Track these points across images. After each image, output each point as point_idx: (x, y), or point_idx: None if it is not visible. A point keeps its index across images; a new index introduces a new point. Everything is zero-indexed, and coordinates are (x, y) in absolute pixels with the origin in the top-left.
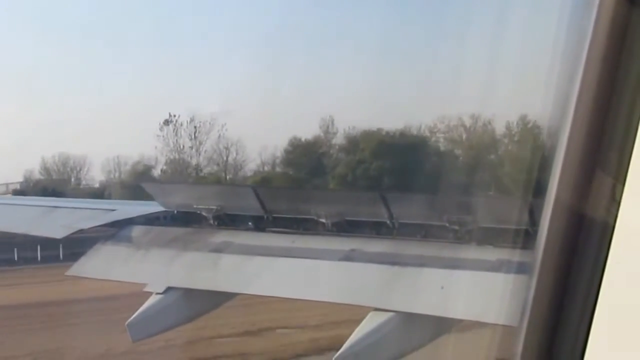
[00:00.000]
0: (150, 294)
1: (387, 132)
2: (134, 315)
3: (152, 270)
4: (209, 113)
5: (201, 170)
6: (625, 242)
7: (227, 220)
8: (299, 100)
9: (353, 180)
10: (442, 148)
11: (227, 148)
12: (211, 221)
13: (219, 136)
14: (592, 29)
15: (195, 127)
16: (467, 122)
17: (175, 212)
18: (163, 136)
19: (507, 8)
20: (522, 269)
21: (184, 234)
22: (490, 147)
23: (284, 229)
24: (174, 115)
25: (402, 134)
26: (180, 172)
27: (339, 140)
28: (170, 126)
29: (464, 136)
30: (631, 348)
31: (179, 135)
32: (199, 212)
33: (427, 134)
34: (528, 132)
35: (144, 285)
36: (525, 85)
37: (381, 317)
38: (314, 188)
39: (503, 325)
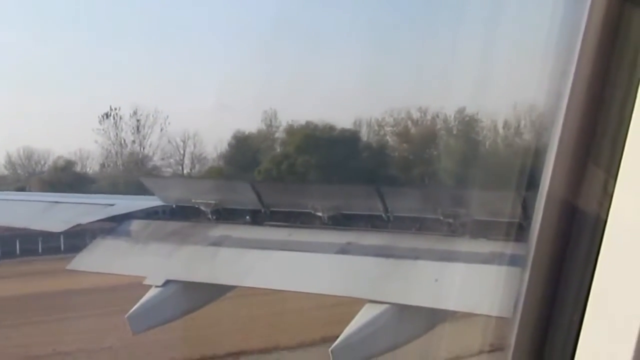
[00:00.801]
0: (150, 287)
1: (316, 126)
2: (133, 308)
3: (151, 263)
4: (154, 107)
5: (145, 164)
6: (617, 235)
7: (225, 215)
8: (244, 93)
9: (278, 176)
10: (391, 143)
11: (184, 141)
12: (209, 215)
13: (163, 130)
14: (585, 23)
15: (138, 120)
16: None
17: (174, 206)
18: (103, 130)
19: (498, 1)
20: (515, 261)
21: (183, 228)
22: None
23: (281, 223)
24: (115, 109)
25: (332, 128)
26: (124, 165)
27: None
28: (111, 119)
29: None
30: (623, 340)
31: (119, 128)
32: (197, 206)
33: (368, 128)
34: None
35: (144, 278)
36: (518, 78)
37: (376, 309)
38: (311, 182)
39: (496, 317)
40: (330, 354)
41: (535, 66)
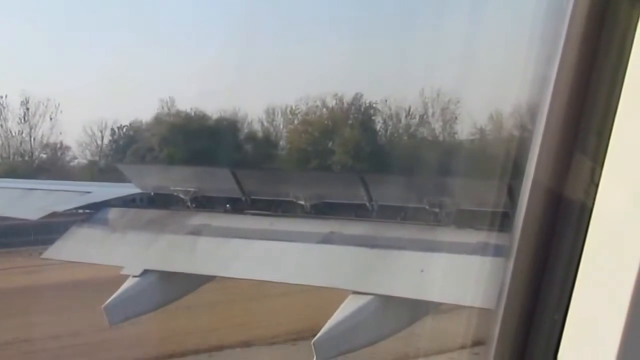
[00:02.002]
0: (127, 277)
1: (187, 116)
2: (110, 298)
3: (129, 252)
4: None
5: (34, 155)
6: (603, 225)
7: (205, 202)
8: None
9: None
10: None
11: (101, 131)
12: (188, 203)
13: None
14: (570, 11)
15: (27, 109)
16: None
17: (152, 194)
18: None
19: None
20: (502, 251)
21: (161, 216)
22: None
23: (262, 211)
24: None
25: (205, 117)
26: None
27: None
28: None
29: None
30: (608, 332)
31: (3, 118)
32: (176, 194)
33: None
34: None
35: (121, 268)
36: (504, 67)
37: (360, 301)
38: (293, 170)
39: (481, 308)
40: (313, 347)
41: (520, 55)
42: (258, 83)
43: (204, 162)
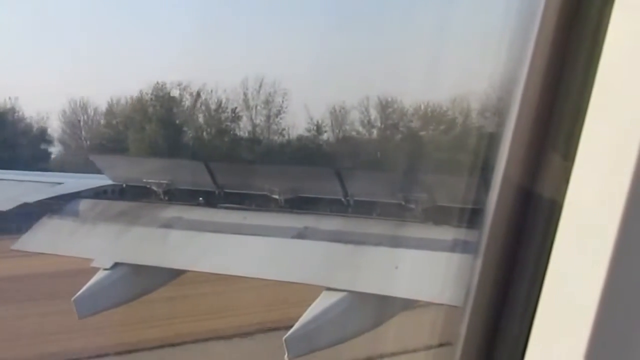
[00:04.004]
0: (98, 269)
1: None
2: (80, 291)
3: (99, 245)
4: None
5: None
6: (573, 222)
7: (178, 195)
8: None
9: None
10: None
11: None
12: (161, 196)
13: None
14: (542, 8)
15: None
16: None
17: (124, 185)
18: None
19: None
20: (472, 248)
21: (133, 209)
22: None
23: (235, 205)
24: None
25: None
26: None
27: None
28: None
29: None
30: (577, 331)
31: None
32: (148, 186)
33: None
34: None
35: (91, 260)
36: (473, 61)
37: (334, 297)
38: (267, 163)
39: (450, 306)
40: (284, 344)
41: (490, 48)
42: None
43: None
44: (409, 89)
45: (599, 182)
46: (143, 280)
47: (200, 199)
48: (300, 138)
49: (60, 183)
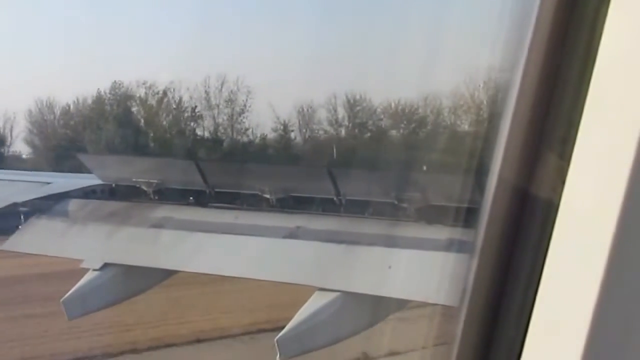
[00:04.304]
0: (87, 270)
1: None
2: (69, 292)
3: (89, 245)
4: None
5: None
6: (569, 222)
7: (168, 195)
8: None
9: None
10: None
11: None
12: (151, 195)
13: None
14: (537, 7)
15: None
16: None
17: (114, 185)
18: None
19: None
20: (470, 248)
21: (123, 208)
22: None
23: (226, 205)
24: None
25: None
26: None
27: None
28: None
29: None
30: (573, 331)
31: None
32: (138, 185)
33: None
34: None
35: (81, 261)
36: (470, 58)
37: (326, 298)
38: (258, 162)
39: (445, 306)
40: (276, 345)
41: (487, 47)
42: None
43: None
44: (382, 87)
45: (595, 182)
46: (133, 281)
47: (191, 198)
48: (264, 137)
49: (49, 183)
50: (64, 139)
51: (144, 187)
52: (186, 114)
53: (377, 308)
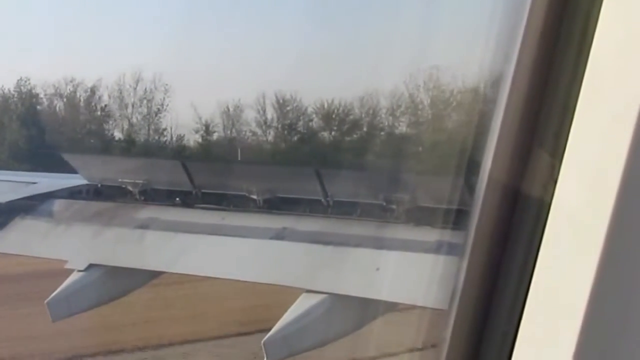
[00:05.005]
0: (72, 271)
1: None
2: (54, 293)
3: (74, 246)
4: None
5: None
6: (561, 223)
7: (154, 195)
8: None
9: None
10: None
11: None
12: (137, 196)
13: None
14: (529, 6)
15: None
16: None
17: (99, 185)
18: None
19: None
20: (459, 250)
21: (108, 209)
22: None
23: (213, 205)
24: None
25: None
26: None
27: None
28: None
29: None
30: (564, 334)
31: None
32: (124, 186)
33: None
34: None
35: (65, 262)
36: (460, 57)
37: (313, 299)
38: (245, 163)
39: (434, 309)
40: (263, 347)
41: (478, 44)
42: None
43: None
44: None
45: (587, 181)
46: (118, 282)
47: (177, 199)
48: (180, 138)
49: (34, 183)
50: None
51: (130, 188)
52: (97, 113)
53: (364, 310)
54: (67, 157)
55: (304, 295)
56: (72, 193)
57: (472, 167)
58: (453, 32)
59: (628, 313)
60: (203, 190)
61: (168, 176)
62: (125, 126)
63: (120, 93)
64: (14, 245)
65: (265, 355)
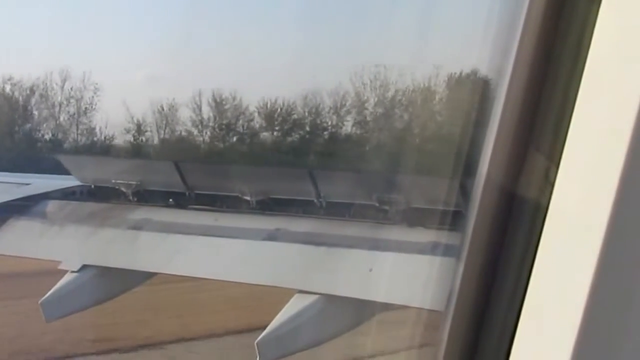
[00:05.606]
0: (66, 271)
1: None
2: (47, 294)
3: (67, 247)
4: None
5: None
6: (557, 225)
7: (147, 196)
8: None
9: None
10: None
11: None
12: (130, 197)
13: None
14: (526, 6)
15: None
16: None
17: (93, 186)
18: None
19: None
20: (453, 251)
21: (101, 210)
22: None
23: (206, 206)
24: None
25: None
26: None
27: None
28: None
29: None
30: (561, 335)
31: None
32: (117, 187)
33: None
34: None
35: (59, 262)
36: (457, 58)
37: (306, 300)
38: (238, 164)
39: (431, 310)
40: (256, 347)
41: (475, 46)
42: None
43: None
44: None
45: (584, 185)
46: (112, 283)
47: (170, 200)
48: (110, 138)
49: (27, 184)
50: None
51: (123, 189)
52: (17, 113)
53: (358, 311)
54: (60, 158)
55: (296, 295)
56: (66, 194)
57: (468, 168)
58: (453, 32)
59: (625, 316)
60: (196, 192)
61: (161, 177)
62: (52, 126)
63: (46, 92)
64: (8, 246)
65: (258, 355)
